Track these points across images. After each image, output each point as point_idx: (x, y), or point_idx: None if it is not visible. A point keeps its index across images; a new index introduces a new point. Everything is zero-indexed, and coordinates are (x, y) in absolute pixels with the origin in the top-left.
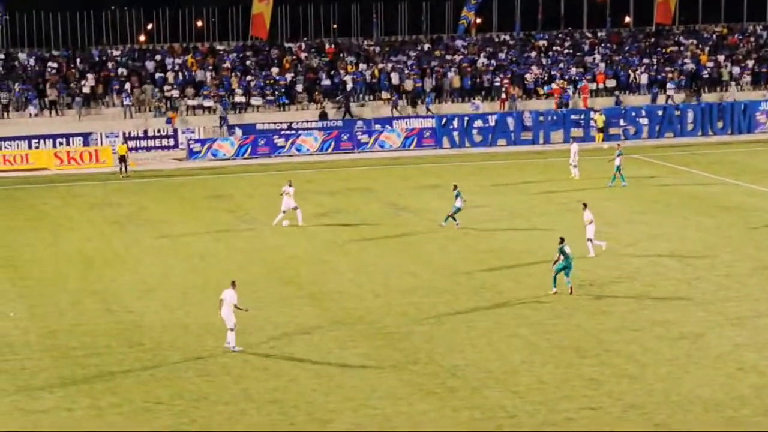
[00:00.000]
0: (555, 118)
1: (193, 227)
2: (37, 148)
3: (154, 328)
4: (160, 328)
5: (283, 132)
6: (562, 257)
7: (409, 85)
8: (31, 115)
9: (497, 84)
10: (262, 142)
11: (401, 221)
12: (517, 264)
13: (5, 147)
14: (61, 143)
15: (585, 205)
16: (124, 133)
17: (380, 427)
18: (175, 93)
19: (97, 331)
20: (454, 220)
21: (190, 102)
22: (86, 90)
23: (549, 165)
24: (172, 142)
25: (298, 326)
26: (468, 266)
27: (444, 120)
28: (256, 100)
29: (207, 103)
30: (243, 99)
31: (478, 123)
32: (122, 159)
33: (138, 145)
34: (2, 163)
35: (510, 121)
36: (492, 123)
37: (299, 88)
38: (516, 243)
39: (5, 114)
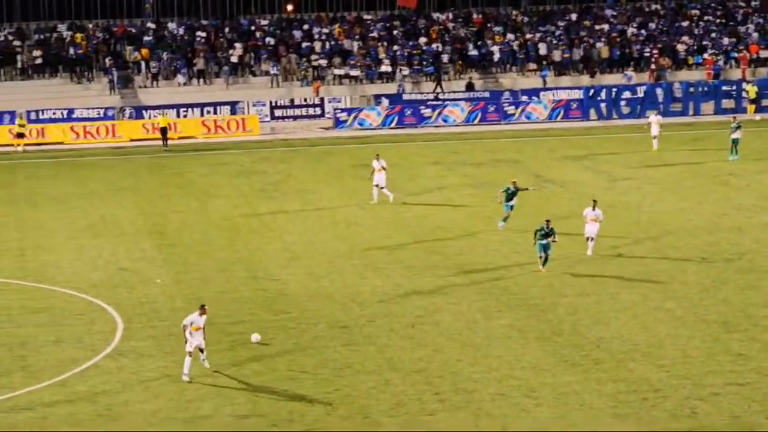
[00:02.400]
0: (705, 89)
1: (339, 196)
2: (185, 116)
3: (299, 296)
4: (305, 297)
5: (429, 102)
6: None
7: (557, 55)
8: (179, 84)
9: (647, 54)
10: (409, 112)
11: (547, 193)
12: (664, 237)
13: (154, 115)
14: (208, 112)
15: (595, 202)
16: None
17: (524, 398)
18: (322, 62)
19: (242, 298)
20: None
21: (337, 71)
22: (234, 59)
23: (698, 137)
24: (318, 111)
25: (444, 296)
26: (614, 239)
27: (591, 91)
28: (402, 70)
29: (353, 72)
30: (389, 69)
31: (627, 94)
32: (164, 131)
33: (284, 114)
34: (151, 132)
35: (659, 92)
36: (640, 94)
37: (446, 58)
38: (663, 215)
39: (154, 83)
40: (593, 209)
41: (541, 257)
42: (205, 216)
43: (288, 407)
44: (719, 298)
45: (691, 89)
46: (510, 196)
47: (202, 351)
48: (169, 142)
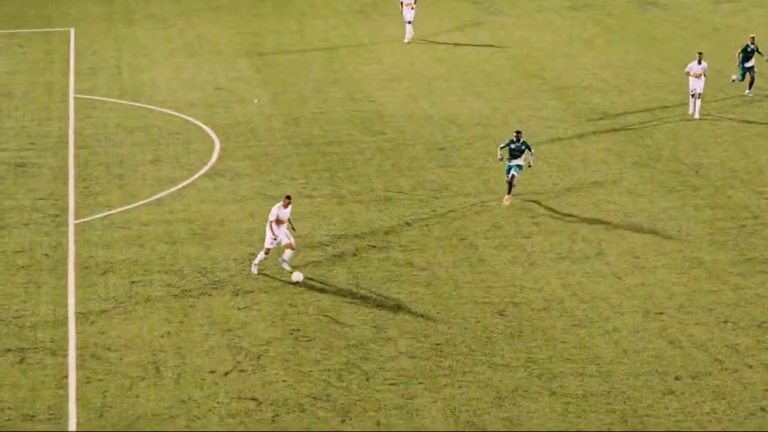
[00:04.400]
0: None
1: (438, 18)
2: None
3: (397, 117)
4: (404, 118)
5: None
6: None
7: None
8: None
9: None
10: None
11: (649, 16)
12: None
13: None
14: None
15: (700, 55)
16: None
17: (620, 223)
18: None
19: (340, 119)
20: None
21: None
22: None
23: None
24: None
25: (541, 120)
26: (718, 63)
27: None
28: None
29: None
30: None
31: None
32: None
33: None
34: None
35: None
36: None
37: None
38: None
39: None
40: (698, 63)
41: (509, 181)
42: (302, 37)
43: (384, 228)
44: None
45: None
46: (748, 56)
47: (290, 248)
48: None
